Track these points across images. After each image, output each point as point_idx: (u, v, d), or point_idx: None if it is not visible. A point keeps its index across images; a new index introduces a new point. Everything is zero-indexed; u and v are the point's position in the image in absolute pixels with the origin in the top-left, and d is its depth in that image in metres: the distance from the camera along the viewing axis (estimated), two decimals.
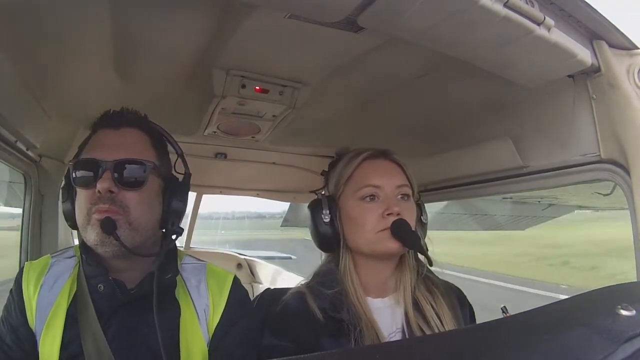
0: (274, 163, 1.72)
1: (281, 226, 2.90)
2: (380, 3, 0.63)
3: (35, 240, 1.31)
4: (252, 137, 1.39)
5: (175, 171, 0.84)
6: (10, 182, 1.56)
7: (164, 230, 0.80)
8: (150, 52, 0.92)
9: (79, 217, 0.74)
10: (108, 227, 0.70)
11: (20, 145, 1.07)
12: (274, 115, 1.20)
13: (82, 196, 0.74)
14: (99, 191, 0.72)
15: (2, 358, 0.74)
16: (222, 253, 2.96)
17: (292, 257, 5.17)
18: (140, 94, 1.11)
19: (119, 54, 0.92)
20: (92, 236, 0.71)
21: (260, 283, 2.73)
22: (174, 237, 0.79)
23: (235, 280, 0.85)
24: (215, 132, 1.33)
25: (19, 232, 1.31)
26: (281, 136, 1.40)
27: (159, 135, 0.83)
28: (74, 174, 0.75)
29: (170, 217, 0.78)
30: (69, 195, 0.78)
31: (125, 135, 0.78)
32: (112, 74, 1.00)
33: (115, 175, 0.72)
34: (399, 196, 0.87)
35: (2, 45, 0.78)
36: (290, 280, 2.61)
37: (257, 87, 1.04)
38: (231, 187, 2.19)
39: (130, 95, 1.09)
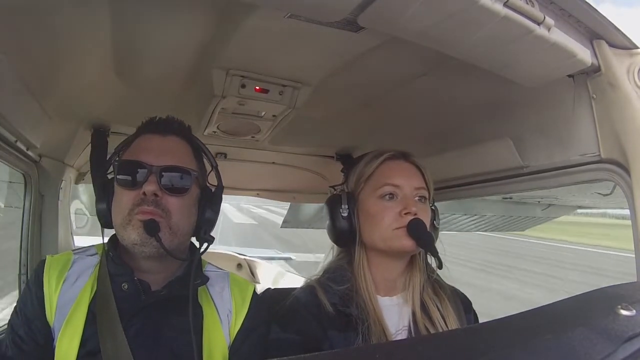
0: (273, 163, 1.72)
1: (281, 227, 2.90)
2: (380, 3, 0.63)
3: (35, 240, 1.31)
4: (252, 137, 1.39)
5: (208, 182, 0.87)
6: (11, 182, 1.56)
7: (194, 238, 0.83)
8: (150, 52, 0.92)
9: (118, 216, 0.76)
10: (151, 228, 0.72)
11: (20, 145, 1.07)
12: (274, 115, 1.20)
13: (124, 196, 0.76)
14: (144, 193, 0.74)
15: (12, 349, 0.74)
16: (222, 253, 2.96)
17: (292, 257, 5.19)
18: (140, 94, 1.11)
19: (119, 54, 0.92)
20: (133, 236, 0.73)
21: (260, 283, 2.73)
22: (205, 245, 0.81)
23: (255, 290, 0.88)
24: (215, 132, 1.33)
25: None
26: (281, 136, 1.40)
27: (198, 146, 0.86)
28: (118, 174, 0.77)
29: (204, 225, 0.81)
30: (105, 194, 0.80)
31: (171, 142, 0.81)
32: (112, 74, 1.00)
33: (162, 179, 0.75)
34: (417, 198, 0.89)
35: (2, 45, 0.78)
36: (290, 280, 2.62)
37: (257, 87, 1.04)
38: (231, 186, 2.19)
39: (130, 95, 1.09)
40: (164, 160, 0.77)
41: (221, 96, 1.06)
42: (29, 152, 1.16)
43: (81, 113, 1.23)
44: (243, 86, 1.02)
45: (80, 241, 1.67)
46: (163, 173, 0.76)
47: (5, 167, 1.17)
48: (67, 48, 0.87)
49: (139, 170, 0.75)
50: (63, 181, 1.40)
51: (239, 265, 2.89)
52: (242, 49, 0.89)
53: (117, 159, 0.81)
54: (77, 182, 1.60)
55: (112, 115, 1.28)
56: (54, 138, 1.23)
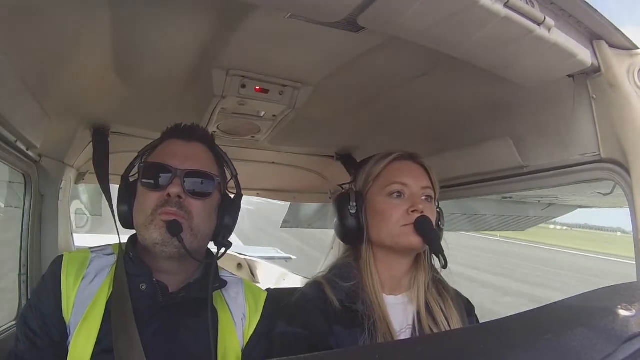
0: (273, 163, 1.72)
1: (281, 227, 2.89)
2: (380, 3, 0.63)
3: (35, 241, 1.31)
4: (252, 137, 1.39)
5: (228, 190, 0.89)
6: (11, 182, 1.56)
7: (212, 242, 0.85)
8: (150, 52, 0.92)
9: (140, 216, 0.77)
10: (174, 229, 0.74)
11: (20, 145, 1.07)
12: (274, 115, 1.20)
13: (148, 198, 0.77)
14: (168, 194, 0.76)
15: (25, 343, 0.73)
16: None
17: (292, 257, 5.19)
18: (140, 94, 1.11)
19: (119, 53, 0.92)
20: (155, 235, 0.75)
21: (259, 283, 2.73)
22: (223, 249, 0.83)
23: (268, 297, 0.90)
24: (215, 132, 1.33)
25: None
26: (281, 136, 1.40)
27: (219, 154, 0.88)
28: (143, 176, 0.79)
29: (223, 230, 0.83)
30: (127, 196, 0.82)
31: (195, 148, 0.83)
32: (112, 74, 1.00)
33: (185, 183, 0.77)
34: (423, 197, 0.91)
35: (2, 45, 0.78)
36: (291, 280, 2.61)
37: (257, 87, 1.04)
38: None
39: (130, 95, 1.09)
40: (188, 164, 0.79)
41: (221, 96, 1.06)
42: (29, 152, 1.16)
43: (81, 113, 1.23)
44: (243, 86, 1.02)
45: (80, 238, 1.67)
46: (187, 177, 0.78)
47: (5, 167, 1.17)
48: (67, 48, 0.87)
49: (164, 173, 0.78)
50: (63, 181, 1.40)
51: (239, 265, 2.88)
52: (242, 49, 0.89)
53: (142, 161, 0.83)
54: (77, 182, 1.60)
55: (112, 115, 1.28)
56: (54, 138, 1.23)
